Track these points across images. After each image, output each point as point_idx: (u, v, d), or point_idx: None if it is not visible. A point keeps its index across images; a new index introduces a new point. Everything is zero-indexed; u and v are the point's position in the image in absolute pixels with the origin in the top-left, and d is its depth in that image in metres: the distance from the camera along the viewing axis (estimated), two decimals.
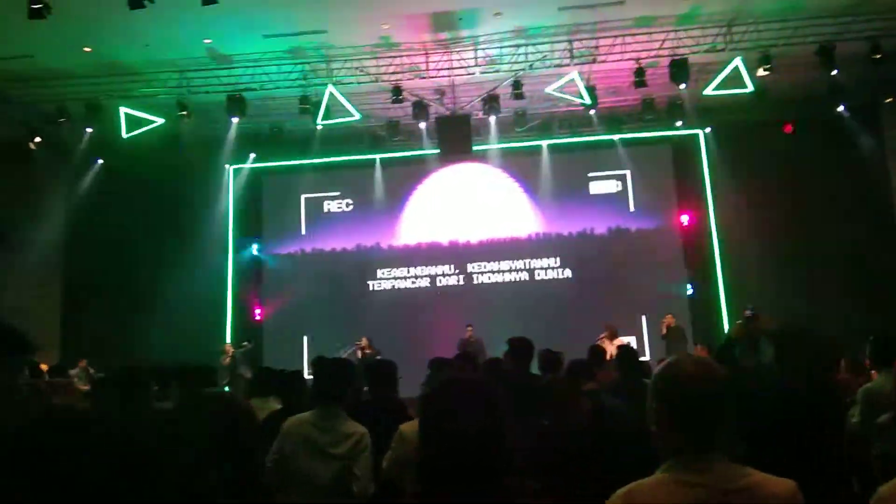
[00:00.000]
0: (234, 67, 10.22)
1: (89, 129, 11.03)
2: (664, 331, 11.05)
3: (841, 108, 11.35)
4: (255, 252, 13.46)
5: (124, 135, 10.73)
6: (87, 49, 9.45)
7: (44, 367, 5.67)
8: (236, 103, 10.33)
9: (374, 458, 3.19)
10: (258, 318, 13.25)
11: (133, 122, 10.74)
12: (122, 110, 10.61)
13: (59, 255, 12.60)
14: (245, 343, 11.80)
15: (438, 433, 1.53)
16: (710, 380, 1.59)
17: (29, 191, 11.72)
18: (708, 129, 12.62)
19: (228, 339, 12.57)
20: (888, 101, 10.78)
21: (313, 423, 3.17)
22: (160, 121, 10.73)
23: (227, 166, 13.27)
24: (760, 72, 9.82)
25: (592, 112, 11.34)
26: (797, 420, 2.82)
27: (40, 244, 11.91)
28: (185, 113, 10.46)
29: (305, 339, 12.52)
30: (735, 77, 10.00)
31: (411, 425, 3.22)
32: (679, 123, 12.11)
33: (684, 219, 12.77)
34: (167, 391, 4.75)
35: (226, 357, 10.96)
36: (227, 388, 9.44)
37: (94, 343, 10.98)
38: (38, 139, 11.07)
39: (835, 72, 9.69)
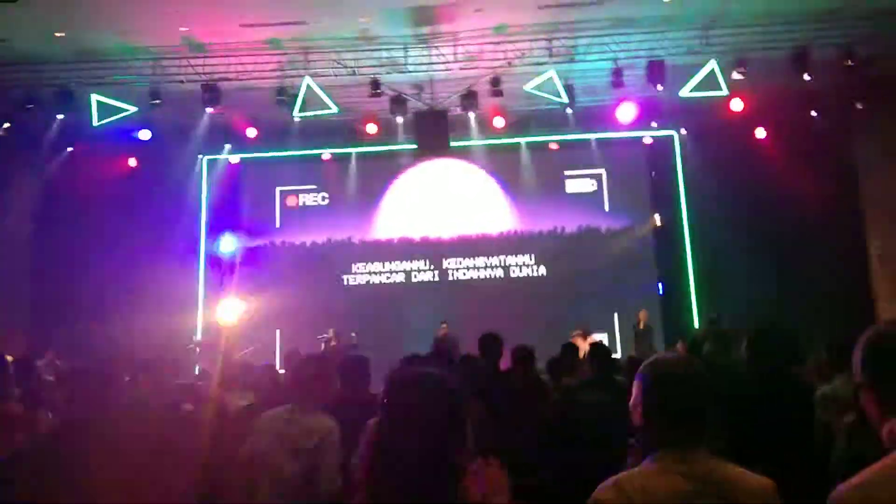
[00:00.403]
0: (209, 56, 10.08)
1: (60, 116, 10.81)
2: (641, 325, 11.17)
3: (814, 113, 11.54)
4: (226, 244, 13.29)
5: (95, 122, 10.53)
6: (60, 35, 9.25)
7: (9, 357, 5.57)
8: (211, 93, 10.20)
9: (342, 454, 3.18)
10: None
11: (105, 110, 10.55)
12: (94, 97, 10.41)
13: (26, 242, 12.35)
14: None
15: (393, 421, 1.56)
16: (695, 376, 1.67)
17: None
18: (683, 131, 12.78)
19: (199, 333, 12.44)
20: (860, 107, 10.97)
21: (284, 418, 3.15)
22: (133, 109, 10.55)
23: (199, 157, 13.11)
24: (735, 75, 9.96)
25: (569, 111, 11.39)
26: (770, 413, 2.87)
27: (8, 231, 11.69)
28: (157, 101, 10.29)
29: (278, 332, 12.43)
30: (710, 79, 10.12)
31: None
32: (654, 124, 12.25)
33: (657, 219, 12.92)
34: (136, 383, 4.70)
35: (195, 350, 10.80)
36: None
37: (62, 334, 10.78)
38: (6, 125, 10.82)
39: (808, 77, 9.84)
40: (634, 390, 1.72)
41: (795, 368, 3.45)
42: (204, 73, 10.20)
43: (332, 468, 3.10)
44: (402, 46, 10.04)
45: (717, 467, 1.62)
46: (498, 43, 9.96)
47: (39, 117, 10.83)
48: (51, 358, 9.71)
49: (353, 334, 10.90)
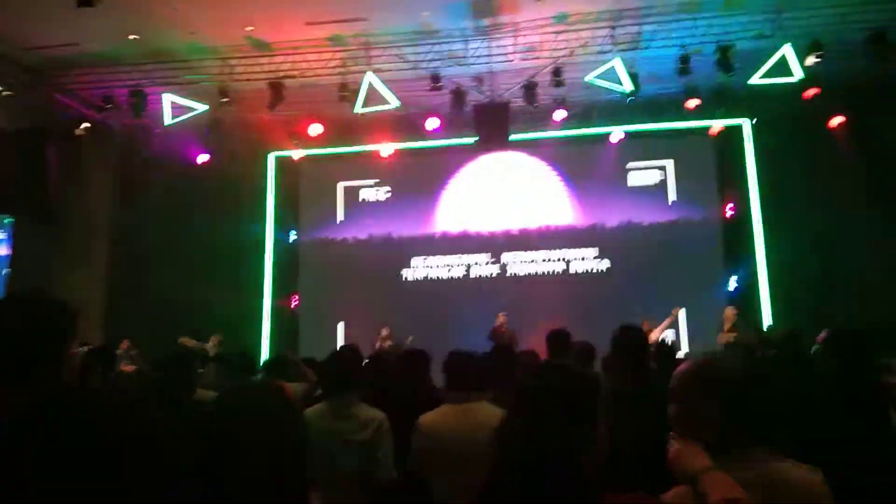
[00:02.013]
0: (274, 55, 10.30)
1: (134, 116, 11.25)
2: (727, 326, 10.41)
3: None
4: (291, 239, 13.63)
5: (168, 121, 10.92)
6: (132, 37, 9.62)
7: (87, 347, 5.81)
8: (276, 90, 10.42)
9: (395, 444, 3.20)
10: (294, 304, 13.42)
11: (176, 109, 10.93)
12: (166, 97, 10.80)
13: (104, 238, 12.92)
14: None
15: (528, 417, 1.52)
16: (760, 377, 1.68)
17: (77, 176, 12.03)
18: (754, 120, 12.30)
19: (267, 327, 12.84)
20: None
21: (331, 412, 3.17)
22: (203, 108, 10.89)
23: (267, 154, 13.45)
24: (811, 59, 9.51)
25: (633, 100, 11.12)
26: (843, 415, 2.75)
27: (86, 227, 12.27)
28: (226, 100, 10.59)
29: (340, 326, 12.64)
30: (782, 65, 9.70)
31: (427, 417, 3.22)
32: (723, 112, 11.84)
33: (728, 211, 12.51)
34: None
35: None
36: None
37: (136, 325, 11.23)
38: (85, 125, 11.33)
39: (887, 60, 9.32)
40: (695, 392, 1.69)
41: (875, 374, 3.27)
42: (269, 71, 10.43)
43: (388, 459, 3.12)
44: (462, 39, 10.02)
45: (778, 466, 1.61)
46: (559, 32, 9.82)
47: (115, 117, 11.31)
48: (126, 348, 10.13)
49: (411, 338, 10.54)
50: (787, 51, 9.57)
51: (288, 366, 4.53)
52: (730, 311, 10.07)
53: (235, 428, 1.43)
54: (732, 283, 12.25)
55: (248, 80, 10.52)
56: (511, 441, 1.52)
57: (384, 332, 10.96)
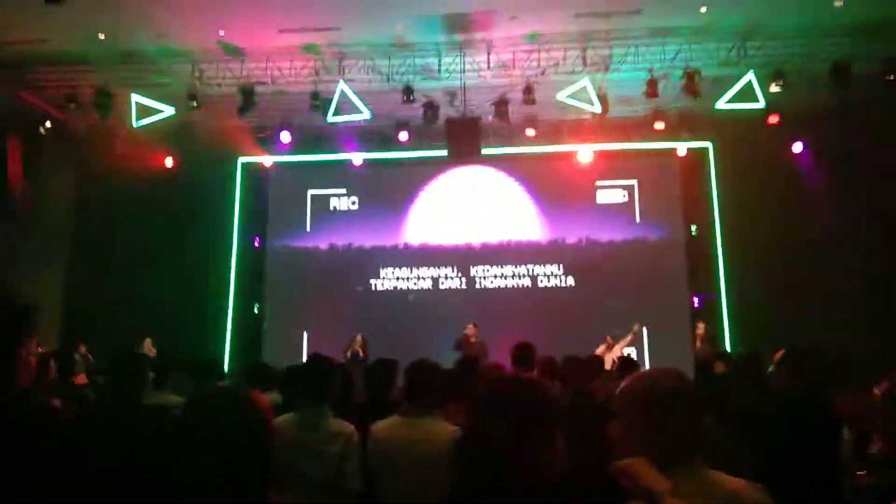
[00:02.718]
0: (246, 61, 10.23)
1: (99, 116, 11.05)
2: (699, 343, 10.92)
3: (852, 129, 11.29)
4: (257, 245, 13.50)
5: (134, 123, 10.75)
6: (101, 36, 9.47)
7: (41, 350, 5.66)
8: (247, 96, 10.34)
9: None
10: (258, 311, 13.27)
11: (143, 111, 10.77)
12: (134, 98, 10.63)
13: (64, 238, 12.66)
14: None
15: (488, 430, 1.52)
16: (701, 392, 1.67)
17: (39, 174, 11.76)
18: (716, 143, 12.58)
19: (228, 332, 12.68)
20: None
21: (300, 424, 3.15)
22: (171, 110, 10.75)
23: (235, 159, 13.32)
24: (773, 87, 9.81)
25: (602, 120, 11.32)
26: (793, 436, 2.81)
27: (45, 227, 11.99)
28: (195, 104, 10.48)
29: (305, 335, 12.52)
30: (747, 91, 9.98)
31: (378, 426, 3.22)
32: (688, 136, 12.11)
33: (693, 229, 12.76)
34: (165, 381, 4.74)
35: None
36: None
37: (93, 329, 10.99)
38: (48, 124, 11.09)
39: (847, 91, 9.64)
40: (652, 408, 1.67)
41: (834, 391, 3.35)
42: (241, 77, 10.35)
43: (357, 471, 3.11)
44: (435, 53, 10.09)
45: (720, 479, 1.61)
46: (532, 51, 9.95)
47: (79, 117, 11.09)
48: (83, 352, 9.92)
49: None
50: (751, 78, 9.85)
51: (264, 374, 4.49)
52: (700, 327, 10.94)
53: (201, 434, 1.42)
54: (695, 302, 12.49)
55: (218, 84, 10.43)
56: (469, 455, 1.52)
57: (359, 338, 10.87)
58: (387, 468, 3.07)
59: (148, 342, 10.80)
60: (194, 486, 1.38)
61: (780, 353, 3.38)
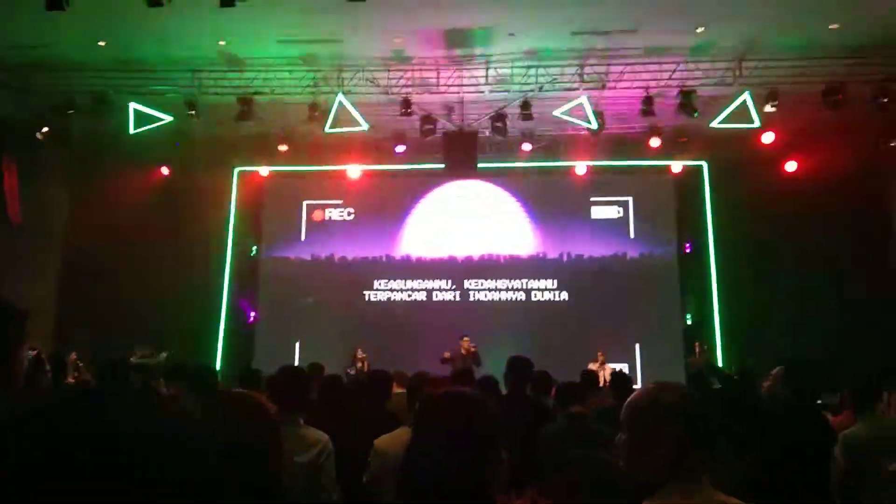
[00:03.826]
0: (246, 70, 10.28)
1: (97, 122, 11.05)
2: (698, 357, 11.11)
3: (845, 149, 11.39)
4: (252, 254, 13.50)
5: (132, 130, 10.76)
6: (101, 43, 9.50)
7: (34, 352, 5.63)
8: (246, 106, 10.38)
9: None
10: (251, 320, 13.24)
11: (141, 119, 10.79)
12: (132, 105, 10.65)
13: (57, 244, 12.61)
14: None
15: (426, 450, 1.52)
16: (705, 406, 1.65)
17: (34, 179, 11.73)
18: (711, 161, 12.68)
19: (220, 340, 12.65)
20: (893, 144, 10.83)
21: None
22: (168, 118, 10.77)
23: (231, 168, 13.33)
24: (768, 107, 9.92)
25: (598, 137, 11.41)
26: (790, 447, 2.83)
27: (39, 233, 11.94)
28: (193, 112, 10.50)
29: (297, 344, 12.49)
30: (742, 111, 10.09)
31: (384, 439, 3.22)
32: (683, 154, 12.21)
33: (686, 248, 12.84)
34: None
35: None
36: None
37: (85, 333, 10.94)
38: (45, 129, 11.08)
39: (841, 112, 9.76)
40: (653, 420, 1.68)
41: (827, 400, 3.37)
42: (239, 87, 10.39)
43: (330, 482, 3.09)
44: (434, 67, 10.15)
45: (720, 498, 1.60)
46: (529, 67, 10.04)
47: (77, 122, 11.09)
48: (73, 360, 9.85)
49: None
50: (746, 98, 9.96)
51: (260, 381, 4.48)
52: (697, 346, 11.35)
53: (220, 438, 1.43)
54: (688, 318, 12.55)
55: (216, 93, 10.46)
56: (409, 477, 1.52)
57: (359, 353, 10.86)
58: (392, 479, 3.02)
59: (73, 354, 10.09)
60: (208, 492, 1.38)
61: (778, 368, 3.39)
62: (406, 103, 10.33)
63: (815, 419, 3.08)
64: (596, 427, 3.85)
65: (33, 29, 8.89)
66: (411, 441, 1.59)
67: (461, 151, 11.05)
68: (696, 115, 10.08)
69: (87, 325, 11.32)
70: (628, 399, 1.73)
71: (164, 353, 10.71)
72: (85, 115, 10.76)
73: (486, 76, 10.21)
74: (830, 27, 8.82)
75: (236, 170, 13.43)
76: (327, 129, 10.68)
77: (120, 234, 12.06)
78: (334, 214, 13.55)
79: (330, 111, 10.45)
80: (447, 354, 10.28)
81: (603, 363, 10.47)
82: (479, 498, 1.46)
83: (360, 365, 10.64)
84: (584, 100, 10.27)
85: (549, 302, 12.87)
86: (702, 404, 1.67)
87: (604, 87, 10.19)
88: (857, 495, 3.01)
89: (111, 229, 12.06)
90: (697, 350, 11.29)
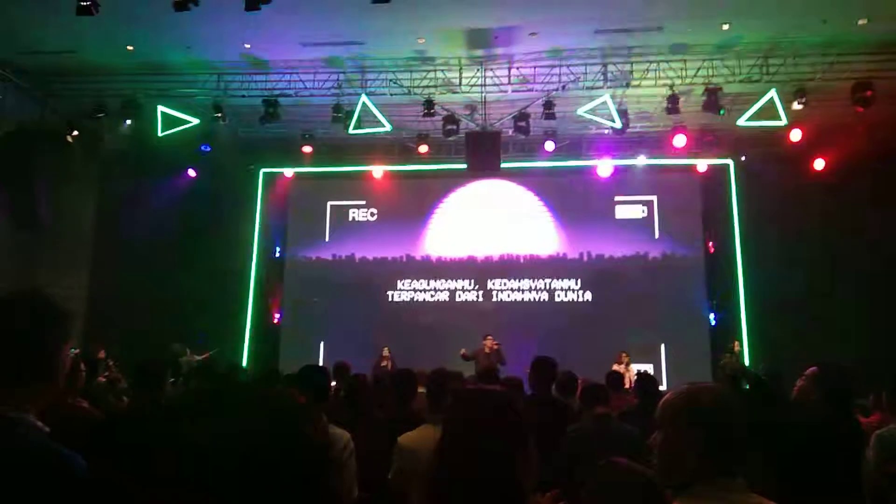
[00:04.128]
0: (270, 73, 10.38)
1: (125, 126, 11.23)
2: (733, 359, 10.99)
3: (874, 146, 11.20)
4: (276, 255, 13.63)
5: (160, 133, 10.93)
6: (129, 48, 9.66)
7: (75, 352, 5.74)
8: (270, 108, 10.48)
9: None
10: (276, 320, 13.36)
11: (169, 121, 10.95)
12: (160, 109, 10.82)
13: (87, 245, 12.84)
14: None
15: (459, 447, 1.54)
16: (740, 407, 1.65)
17: (64, 182, 11.95)
18: (742, 158, 12.48)
19: (247, 340, 12.78)
20: None
21: None
22: (195, 121, 10.92)
23: (257, 170, 13.48)
24: (795, 105, 9.77)
25: (622, 136, 11.33)
26: (819, 450, 2.79)
27: (70, 234, 12.17)
28: (219, 115, 10.64)
29: (322, 344, 12.57)
30: (769, 108, 9.94)
31: (408, 437, 3.23)
32: (709, 152, 12.07)
33: (711, 247, 12.70)
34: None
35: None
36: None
37: (115, 333, 11.13)
38: (75, 133, 11.29)
39: (869, 109, 9.58)
40: (676, 420, 1.68)
41: (847, 405, 3.32)
42: (264, 89, 10.50)
43: (352, 479, 3.11)
44: (457, 67, 10.17)
45: (753, 500, 1.60)
46: (552, 66, 10.00)
47: (106, 126, 11.29)
48: (103, 358, 10.03)
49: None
50: (773, 95, 9.81)
51: (278, 380, 4.52)
52: (736, 344, 11.26)
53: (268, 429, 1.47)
54: (713, 319, 12.40)
55: (242, 96, 10.58)
56: (450, 457, 1.54)
57: (385, 352, 10.93)
58: (418, 475, 3.04)
59: (102, 352, 10.01)
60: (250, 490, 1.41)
61: (812, 368, 3.35)
62: (429, 104, 10.36)
63: (846, 421, 3.03)
64: (621, 428, 3.84)
65: (63, 35, 9.08)
66: (442, 438, 1.59)
67: (484, 151, 11.03)
68: (721, 112, 9.95)
69: (118, 325, 11.53)
70: (664, 398, 1.74)
71: (208, 351, 11.00)
72: (115, 119, 10.96)
73: (509, 76, 10.20)
74: (859, 22, 8.67)
75: (262, 171, 13.58)
76: (351, 130, 10.74)
77: (147, 236, 12.25)
78: (358, 215, 13.62)
79: (353, 112, 10.51)
80: (465, 351, 10.28)
81: (628, 364, 10.38)
82: (513, 494, 1.47)
83: (384, 364, 10.68)
84: (607, 98, 10.21)
85: (572, 302, 12.81)
86: (738, 406, 1.68)
87: (628, 85, 10.12)
88: (889, 495, 2.97)
89: (140, 230, 12.25)
90: (735, 349, 11.12)
